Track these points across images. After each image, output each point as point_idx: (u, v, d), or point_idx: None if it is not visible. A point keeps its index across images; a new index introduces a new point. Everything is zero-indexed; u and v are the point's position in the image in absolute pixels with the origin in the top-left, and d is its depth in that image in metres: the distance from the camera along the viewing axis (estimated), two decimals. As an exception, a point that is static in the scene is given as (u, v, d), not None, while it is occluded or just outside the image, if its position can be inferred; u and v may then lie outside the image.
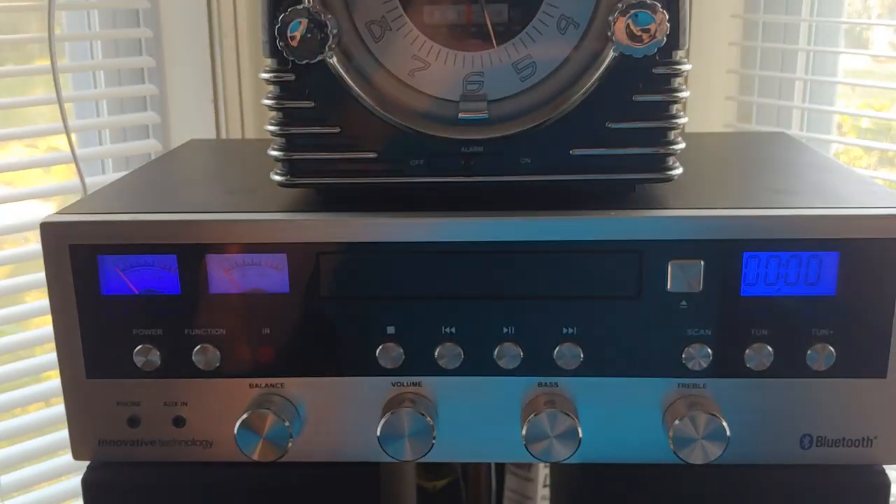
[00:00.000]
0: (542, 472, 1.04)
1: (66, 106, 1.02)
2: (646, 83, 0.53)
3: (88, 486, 0.59)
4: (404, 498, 0.86)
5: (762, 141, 0.79)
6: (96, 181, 1.02)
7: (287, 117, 0.55)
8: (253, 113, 1.14)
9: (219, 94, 1.12)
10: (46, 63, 0.95)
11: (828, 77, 1.17)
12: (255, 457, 0.55)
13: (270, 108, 0.55)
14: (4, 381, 1.05)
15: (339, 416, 0.57)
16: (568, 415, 0.54)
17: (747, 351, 0.55)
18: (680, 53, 0.53)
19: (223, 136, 1.13)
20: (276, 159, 0.56)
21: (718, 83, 1.19)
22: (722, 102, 1.20)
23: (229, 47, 1.10)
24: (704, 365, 0.55)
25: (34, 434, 1.08)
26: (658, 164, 0.55)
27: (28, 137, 1.06)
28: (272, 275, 0.55)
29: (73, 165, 0.97)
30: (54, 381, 1.08)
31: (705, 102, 1.19)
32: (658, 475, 0.58)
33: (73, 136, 0.98)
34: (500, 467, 1.07)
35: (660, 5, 0.50)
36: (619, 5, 0.50)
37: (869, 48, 1.22)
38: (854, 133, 1.28)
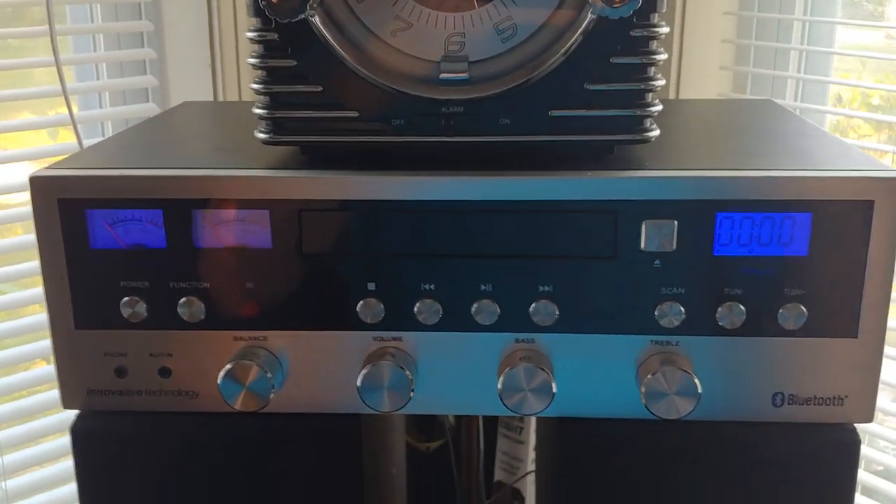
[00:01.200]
0: (533, 434, 1.06)
1: (68, 69, 1.03)
2: (623, 45, 0.54)
3: (77, 434, 0.61)
4: (393, 457, 0.88)
5: (748, 108, 0.80)
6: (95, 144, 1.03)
7: (270, 76, 0.56)
8: (250, 77, 1.15)
9: (216, 57, 1.13)
10: (45, 26, 0.97)
11: (823, 48, 1.17)
12: (238, 406, 0.57)
13: (254, 66, 0.56)
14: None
15: (321, 369, 0.59)
16: (543, 369, 0.55)
17: (720, 309, 0.56)
18: (657, 16, 0.54)
19: (220, 99, 1.14)
20: (260, 117, 0.57)
21: (713, 53, 1.20)
22: (717, 72, 1.20)
23: (227, 12, 1.11)
24: (677, 323, 0.56)
25: (36, 389, 1.10)
26: (635, 125, 0.56)
27: (25, 99, 1.07)
28: (256, 230, 0.56)
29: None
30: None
31: (700, 72, 1.19)
32: (635, 431, 0.59)
33: (75, 100, 1.00)
34: (492, 430, 1.08)
35: (636, -33, 0.51)
36: (597, -33, 0.51)
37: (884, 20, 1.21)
38: (865, 109, 1.27)
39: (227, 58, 1.13)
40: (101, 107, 1.14)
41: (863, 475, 1.29)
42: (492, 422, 1.07)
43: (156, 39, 1.12)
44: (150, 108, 1.14)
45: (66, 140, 1.14)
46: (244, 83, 1.14)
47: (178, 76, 1.13)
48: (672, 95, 1.20)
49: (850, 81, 1.19)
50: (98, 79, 1.13)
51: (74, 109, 1.07)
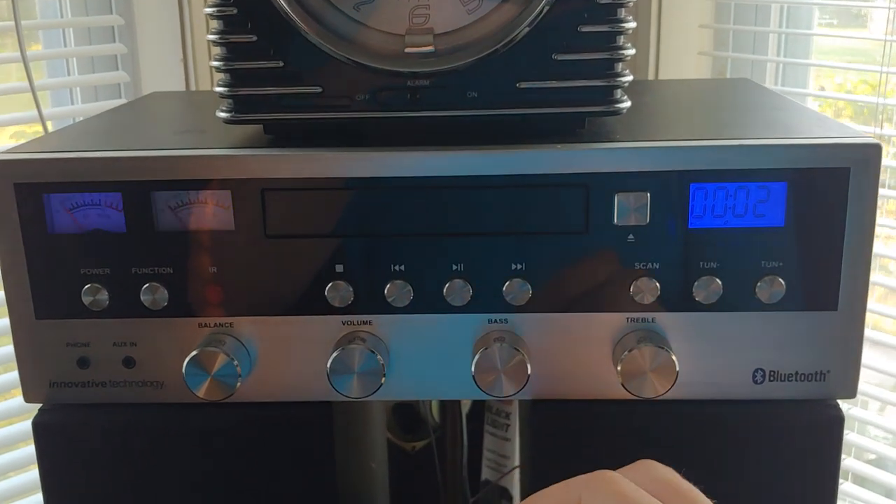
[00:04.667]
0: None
1: (39, 65, 1.01)
2: (591, 13, 0.53)
3: (39, 428, 0.59)
4: (373, 451, 0.87)
5: (724, 86, 0.79)
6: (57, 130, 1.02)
7: (230, 52, 0.55)
8: (223, 71, 1.13)
9: (188, 52, 1.11)
10: (10, 22, 0.95)
11: (803, 30, 1.16)
12: (203, 395, 0.55)
13: (214, 42, 0.55)
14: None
15: (290, 355, 0.57)
16: (517, 349, 0.54)
17: (696, 284, 0.54)
18: (625, -17, 0.53)
19: (193, 93, 1.13)
20: (221, 96, 0.56)
21: (691, 38, 1.18)
22: (695, 58, 1.19)
23: (198, 6, 1.10)
24: (653, 298, 0.55)
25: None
26: (605, 96, 0.55)
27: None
28: (217, 212, 0.55)
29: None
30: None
31: (678, 58, 1.18)
32: (613, 412, 0.58)
33: (46, 95, 0.98)
34: (478, 427, 1.07)
35: (602, -69, 0.50)
36: (561, -68, 0.50)
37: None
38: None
39: (199, 52, 1.12)
40: (72, 103, 1.12)
41: (854, 463, 1.28)
42: (478, 420, 1.06)
43: (127, 34, 1.10)
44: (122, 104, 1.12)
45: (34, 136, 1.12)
46: (217, 78, 1.12)
47: (150, 71, 1.11)
48: (651, 82, 1.19)
49: (830, 63, 1.18)
50: (69, 74, 1.12)
51: (46, 106, 1.06)
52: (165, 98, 0.82)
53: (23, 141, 1.03)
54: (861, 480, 1.29)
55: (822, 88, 1.25)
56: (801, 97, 1.16)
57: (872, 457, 1.30)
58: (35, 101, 0.96)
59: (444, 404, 0.99)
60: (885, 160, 1.11)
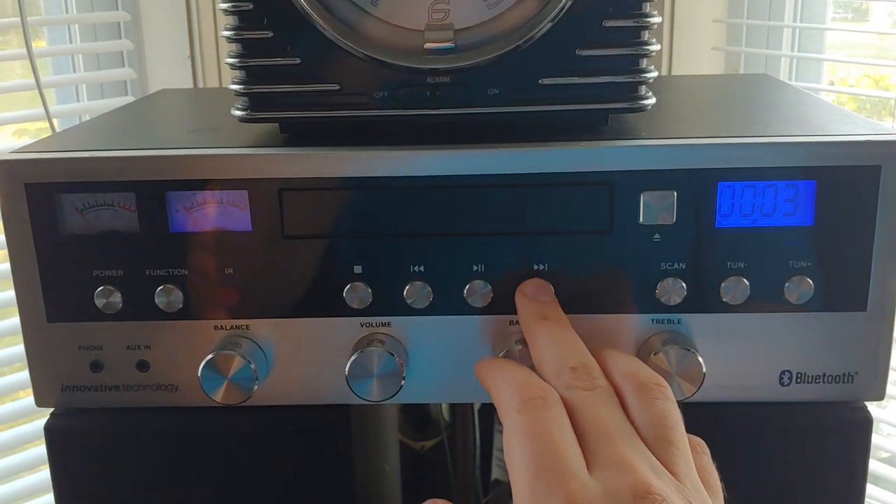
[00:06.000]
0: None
1: (45, 62, 1.00)
2: (615, 8, 0.52)
3: (52, 433, 0.58)
4: (386, 453, 0.85)
5: (744, 81, 0.77)
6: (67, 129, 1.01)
7: (246, 49, 0.53)
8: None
9: (195, 48, 1.10)
10: (16, 18, 0.94)
11: (816, 24, 1.15)
12: (219, 399, 0.54)
13: (229, 39, 0.53)
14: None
15: (307, 358, 0.56)
16: (539, 352, 0.53)
17: (723, 284, 0.53)
18: (650, -23, 0.52)
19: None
20: (237, 93, 0.55)
21: (705, 33, 1.17)
22: (709, 53, 1.18)
23: (205, 1, 1.08)
24: (679, 300, 0.53)
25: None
26: (629, 92, 0.53)
27: (-1, 93, 1.04)
28: (233, 213, 0.54)
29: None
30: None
31: (692, 54, 1.17)
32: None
33: (52, 92, 0.97)
34: (488, 427, 1.06)
35: (628, -76, 0.48)
36: (586, -76, 0.49)
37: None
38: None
39: (206, 48, 1.11)
40: (78, 100, 1.11)
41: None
42: (488, 419, 1.05)
43: (133, 30, 1.09)
44: (128, 101, 1.11)
45: (40, 134, 1.11)
46: (225, 74, 1.11)
47: (156, 68, 1.10)
48: (663, 78, 1.18)
49: (844, 58, 1.16)
50: (75, 71, 1.10)
51: (52, 103, 1.04)
52: (175, 95, 0.81)
53: (26, 138, 1.02)
54: (874, 479, 1.28)
55: (832, 83, 1.24)
56: (815, 92, 1.15)
57: (886, 455, 1.29)
58: (41, 98, 0.94)
59: (455, 404, 0.97)
60: None
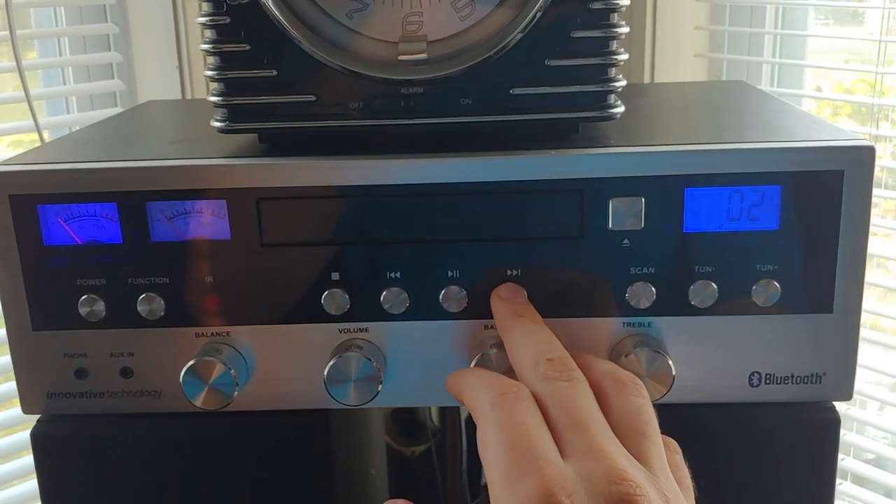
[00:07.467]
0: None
1: (34, 74, 1.01)
2: (584, 19, 0.53)
3: (38, 439, 0.59)
4: (372, 457, 0.86)
5: (719, 88, 0.79)
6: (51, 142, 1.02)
7: (224, 61, 0.55)
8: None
9: (183, 59, 1.11)
10: (5, 32, 0.95)
11: (798, 30, 1.16)
12: (200, 404, 0.55)
13: (207, 52, 0.55)
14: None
15: (286, 363, 0.57)
16: (513, 356, 0.54)
17: (692, 288, 0.54)
18: (617, -12, 0.53)
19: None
20: (215, 105, 0.56)
21: (687, 40, 1.19)
22: (691, 60, 1.19)
23: (193, 13, 1.10)
24: (648, 303, 0.55)
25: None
26: (599, 101, 0.55)
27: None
28: (213, 222, 0.55)
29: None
30: None
31: (674, 61, 1.18)
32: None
33: (42, 104, 0.98)
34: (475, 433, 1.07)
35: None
36: (553, -62, 0.50)
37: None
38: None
39: (194, 60, 1.12)
40: (68, 112, 1.13)
41: (853, 463, 1.28)
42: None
43: (122, 42, 1.10)
44: (117, 112, 1.12)
45: (31, 146, 1.12)
46: (211, 87, 1.12)
47: (145, 79, 1.11)
48: (647, 85, 1.19)
49: (825, 64, 1.18)
50: (64, 83, 1.12)
51: (43, 115, 1.06)
52: (160, 107, 0.82)
53: (20, 150, 1.03)
54: (860, 480, 1.29)
55: (819, 88, 1.26)
56: (797, 98, 1.16)
57: (871, 456, 1.30)
58: (31, 111, 0.96)
59: (443, 409, 0.99)
60: (883, 160, 1.11)
